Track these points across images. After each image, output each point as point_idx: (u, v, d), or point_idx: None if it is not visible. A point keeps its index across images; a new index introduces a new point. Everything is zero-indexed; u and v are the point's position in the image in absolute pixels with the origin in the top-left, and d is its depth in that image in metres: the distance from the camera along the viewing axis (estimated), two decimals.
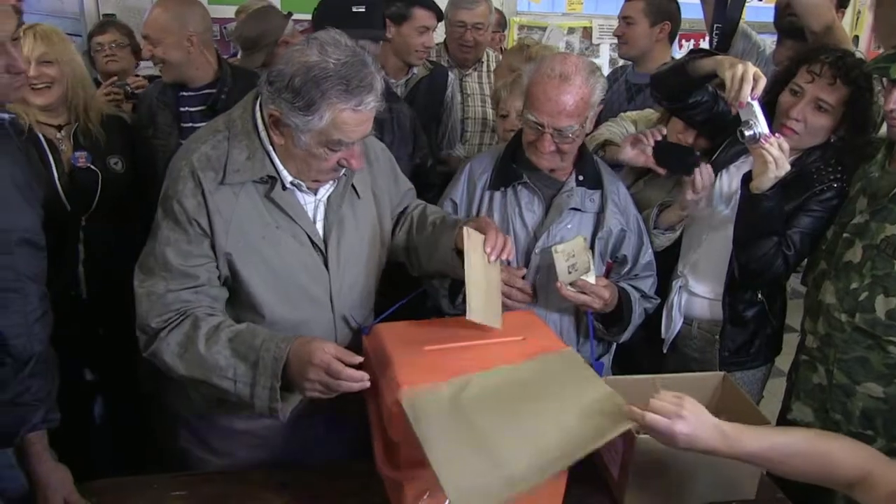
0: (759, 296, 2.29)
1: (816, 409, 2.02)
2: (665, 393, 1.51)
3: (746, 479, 1.82)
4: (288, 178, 1.77)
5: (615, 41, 5.52)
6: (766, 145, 1.96)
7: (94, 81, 3.48)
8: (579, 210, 2.15)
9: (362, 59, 1.65)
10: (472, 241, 1.79)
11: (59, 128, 2.60)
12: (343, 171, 1.78)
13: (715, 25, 2.76)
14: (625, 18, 3.29)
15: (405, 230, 2.09)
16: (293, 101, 1.62)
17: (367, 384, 1.59)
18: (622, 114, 2.82)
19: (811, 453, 1.45)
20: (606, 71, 4.22)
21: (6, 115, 1.71)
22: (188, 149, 1.79)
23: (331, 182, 1.85)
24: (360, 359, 1.62)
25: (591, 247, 2.14)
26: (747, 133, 1.98)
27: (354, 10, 2.38)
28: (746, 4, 2.82)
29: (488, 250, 1.79)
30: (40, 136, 2.52)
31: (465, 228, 1.80)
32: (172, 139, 2.73)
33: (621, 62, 5.08)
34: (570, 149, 2.08)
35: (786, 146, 1.99)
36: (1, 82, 1.61)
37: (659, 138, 2.41)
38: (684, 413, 1.44)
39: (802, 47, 2.51)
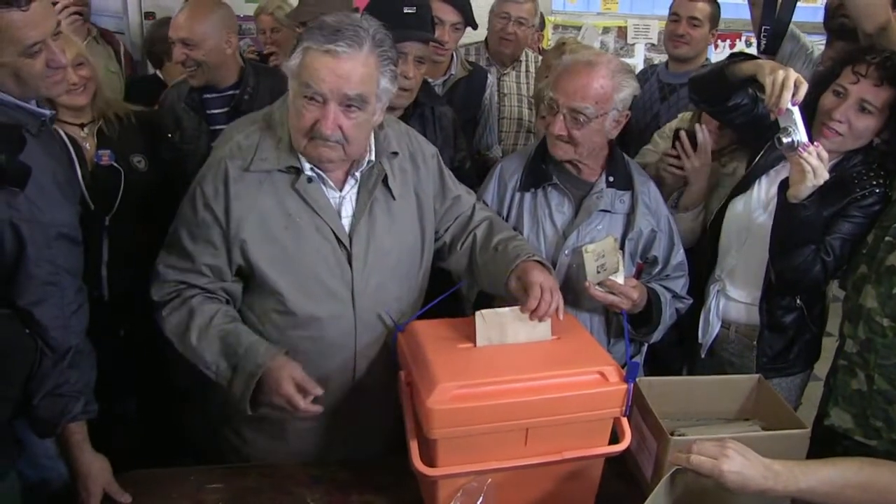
0: (798, 302, 2.25)
1: (856, 416, 1.98)
2: (707, 441, 1.49)
3: None
4: (307, 166, 1.79)
5: (650, 41, 5.54)
6: (805, 154, 1.92)
7: (156, 79, 3.57)
8: (609, 211, 2.15)
9: (357, 23, 1.69)
10: (487, 321, 1.74)
11: (83, 126, 2.58)
12: (322, 142, 1.72)
13: (763, 27, 2.69)
14: (691, 19, 3.28)
15: (468, 248, 2.05)
16: (292, 50, 1.72)
17: (319, 412, 1.75)
18: (659, 132, 2.81)
19: (865, 485, 1.43)
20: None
21: (48, 112, 1.74)
22: (225, 138, 1.87)
23: (354, 178, 1.85)
24: (318, 391, 1.73)
25: (621, 248, 2.13)
26: (785, 140, 1.93)
27: (406, 10, 2.37)
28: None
29: (529, 313, 1.74)
30: (63, 133, 2.45)
31: (477, 313, 1.73)
32: (202, 142, 2.72)
33: (657, 60, 5.06)
34: (581, 136, 2.06)
35: (824, 155, 1.94)
36: (44, 77, 1.65)
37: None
38: (729, 453, 1.42)
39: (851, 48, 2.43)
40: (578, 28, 5.43)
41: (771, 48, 2.70)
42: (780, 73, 1.90)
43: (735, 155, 2.57)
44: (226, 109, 2.77)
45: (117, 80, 3.58)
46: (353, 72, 1.67)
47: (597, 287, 2.02)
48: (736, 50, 4.69)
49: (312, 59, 1.66)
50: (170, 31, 2.76)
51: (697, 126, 2.46)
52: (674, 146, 2.49)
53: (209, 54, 2.68)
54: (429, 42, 2.44)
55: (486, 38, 3.61)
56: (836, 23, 2.78)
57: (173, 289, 1.84)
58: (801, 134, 1.92)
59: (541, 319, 1.75)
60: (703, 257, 2.42)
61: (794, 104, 1.90)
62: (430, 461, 1.61)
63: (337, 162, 1.79)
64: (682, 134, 2.45)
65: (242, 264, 1.83)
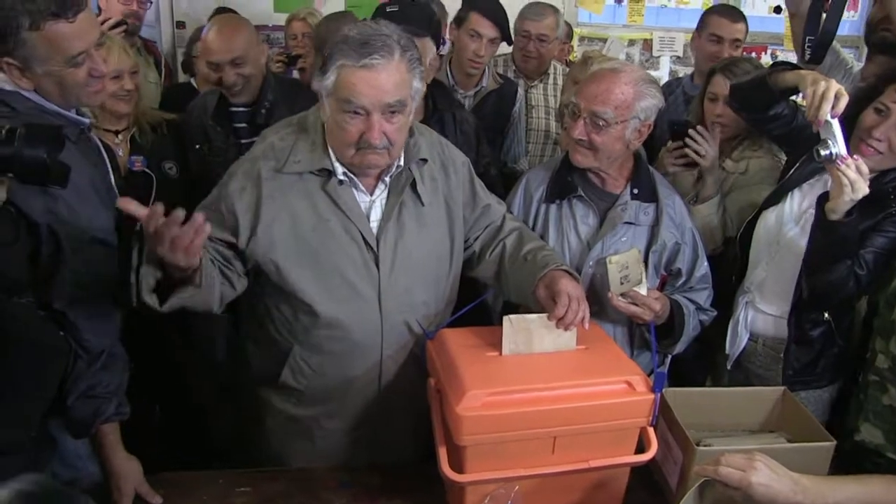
0: (826, 315, 2.20)
1: (887, 432, 1.95)
2: (735, 453, 1.50)
3: None
4: (339, 169, 1.82)
5: (675, 53, 5.54)
6: (843, 167, 1.87)
7: (190, 87, 3.60)
8: (633, 224, 2.15)
9: (381, 32, 1.71)
10: (514, 326, 1.75)
11: (117, 133, 2.63)
12: (371, 151, 1.75)
13: (807, 38, 2.66)
14: (735, 41, 3.30)
15: (497, 256, 2.06)
16: (320, 69, 1.74)
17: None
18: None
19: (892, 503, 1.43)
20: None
21: (87, 120, 1.79)
22: (260, 139, 1.93)
23: (384, 183, 1.88)
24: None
25: (645, 260, 2.13)
26: (823, 153, 1.89)
27: (388, 10, 2.47)
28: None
29: (556, 321, 1.76)
30: (97, 139, 2.54)
31: (505, 318, 1.75)
32: (230, 155, 2.67)
33: (682, 73, 5.06)
34: (601, 142, 2.07)
35: (864, 169, 1.89)
36: (85, 86, 1.69)
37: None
38: (757, 465, 1.43)
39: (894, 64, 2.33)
40: (604, 40, 5.44)
41: (816, 58, 2.65)
42: (822, 84, 1.88)
43: (744, 151, 2.60)
44: (245, 124, 2.80)
45: (155, 90, 3.62)
46: (388, 81, 1.70)
47: (619, 298, 2.02)
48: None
49: (349, 76, 1.68)
50: (209, 57, 2.76)
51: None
52: (674, 140, 2.55)
53: (255, 66, 2.73)
54: (423, 37, 2.41)
55: (512, 52, 3.63)
56: (878, 36, 2.73)
57: None
58: (839, 146, 1.88)
59: (567, 328, 1.76)
60: (729, 268, 2.41)
61: (833, 116, 1.87)
62: (458, 467, 1.62)
63: (382, 166, 1.83)
64: (691, 132, 2.52)
65: (269, 266, 1.85)
